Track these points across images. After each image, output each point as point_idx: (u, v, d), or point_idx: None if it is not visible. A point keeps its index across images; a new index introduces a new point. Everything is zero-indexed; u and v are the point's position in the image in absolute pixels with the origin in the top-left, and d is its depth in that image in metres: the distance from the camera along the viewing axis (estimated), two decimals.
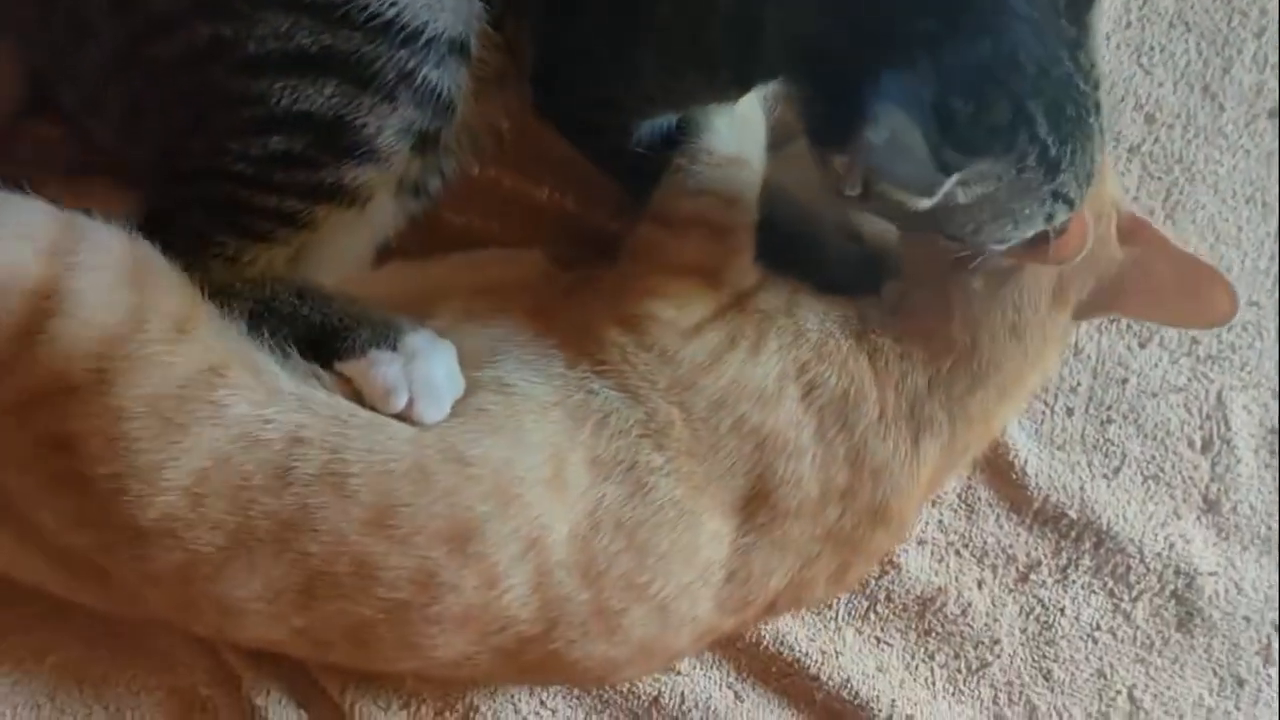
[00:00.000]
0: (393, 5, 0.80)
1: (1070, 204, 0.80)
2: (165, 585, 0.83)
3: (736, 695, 1.06)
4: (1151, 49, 1.12)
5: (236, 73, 0.82)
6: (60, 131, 0.95)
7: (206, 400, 0.79)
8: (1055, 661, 1.09)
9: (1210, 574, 1.09)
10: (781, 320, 0.91)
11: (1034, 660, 1.09)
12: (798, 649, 1.05)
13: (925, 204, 0.74)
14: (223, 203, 0.86)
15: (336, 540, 0.81)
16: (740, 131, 0.94)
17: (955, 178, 0.74)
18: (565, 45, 0.89)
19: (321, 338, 0.88)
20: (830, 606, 1.06)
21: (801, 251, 0.95)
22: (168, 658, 1.01)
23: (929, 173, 0.73)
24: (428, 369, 0.87)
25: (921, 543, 1.08)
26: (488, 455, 0.84)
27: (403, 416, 0.86)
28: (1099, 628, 1.09)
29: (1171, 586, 1.09)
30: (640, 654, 0.91)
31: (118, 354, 0.78)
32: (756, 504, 0.89)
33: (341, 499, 0.81)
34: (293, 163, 0.84)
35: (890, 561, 1.06)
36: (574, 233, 1.02)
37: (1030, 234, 0.81)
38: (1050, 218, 0.80)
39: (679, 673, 1.05)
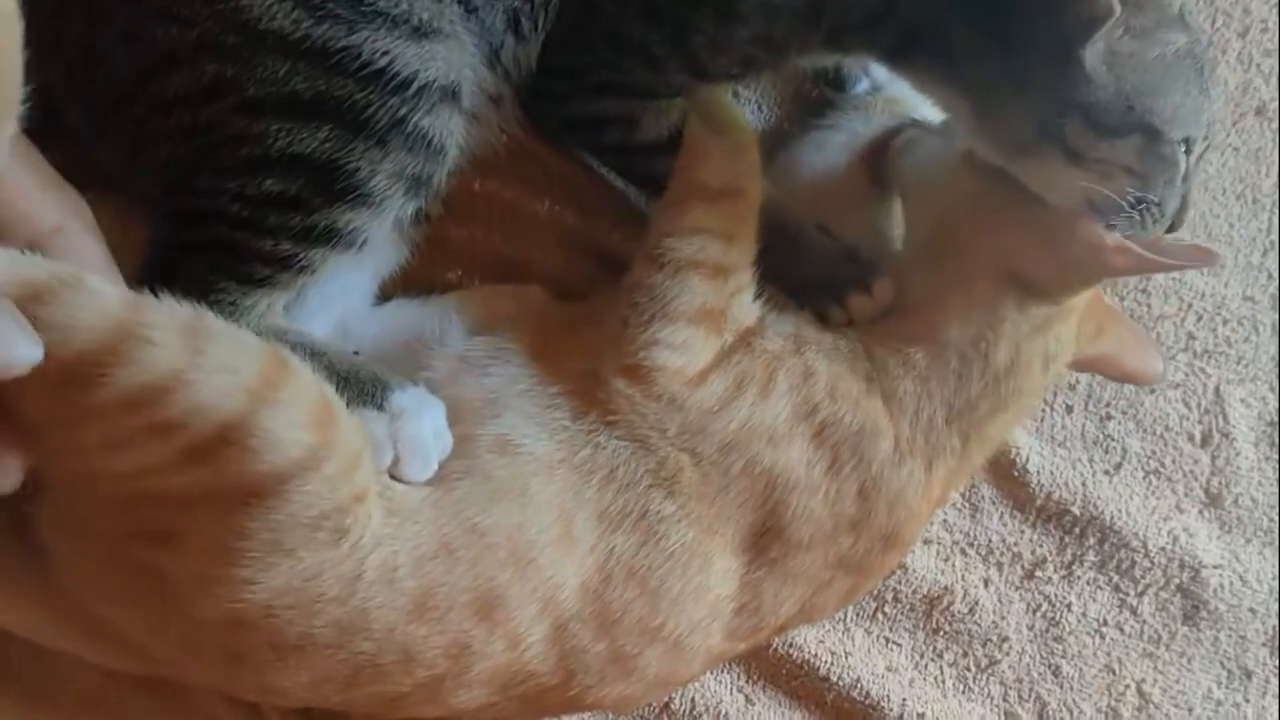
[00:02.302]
0: (385, 55, 0.82)
1: (1160, 221, 0.85)
2: (210, 666, 0.83)
3: (747, 699, 1.07)
4: None
5: (237, 112, 0.83)
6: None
7: (334, 530, 0.79)
8: (1064, 658, 1.10)
9: (1215, 567, 1.10)
10: (790, 361, 0.91)
11: (1042, 657, 1.10)
12: (807, 650, 1.06)
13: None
14: (222, 247, 0.87)
15: (386, 634, 0.81)
16: (734, 158, 0.93)
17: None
18: (585, 27, 0.90)
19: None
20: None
21: (783, 250, 0.96)
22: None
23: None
24: (414, 428, 0.87)
25: (927, 542, 1.09)
26: (500, 523, 0.84)
27: (393, 475, 0.86)
28: (1106, 623, 1.10)
29: (1176, 580, 1.10)
30: (655, 687, 0.92)
31: (275, 487, 0.75)
32: (768, 539, 0.89)
33: (392, 593, 0.81)
34: (286, 205, 0.85)
35: (899, 563, 1.07)
36: (575, 246, 1.03)
37: (1130, 221, 0.85)
38: (1142, 222, 0.85)
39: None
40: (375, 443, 0.85)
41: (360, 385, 0.88)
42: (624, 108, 0.94)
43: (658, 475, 0.88)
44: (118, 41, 0.86)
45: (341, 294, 0.97)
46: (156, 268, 0.88)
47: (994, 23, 0.83)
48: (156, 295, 0.85)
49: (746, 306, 0.92)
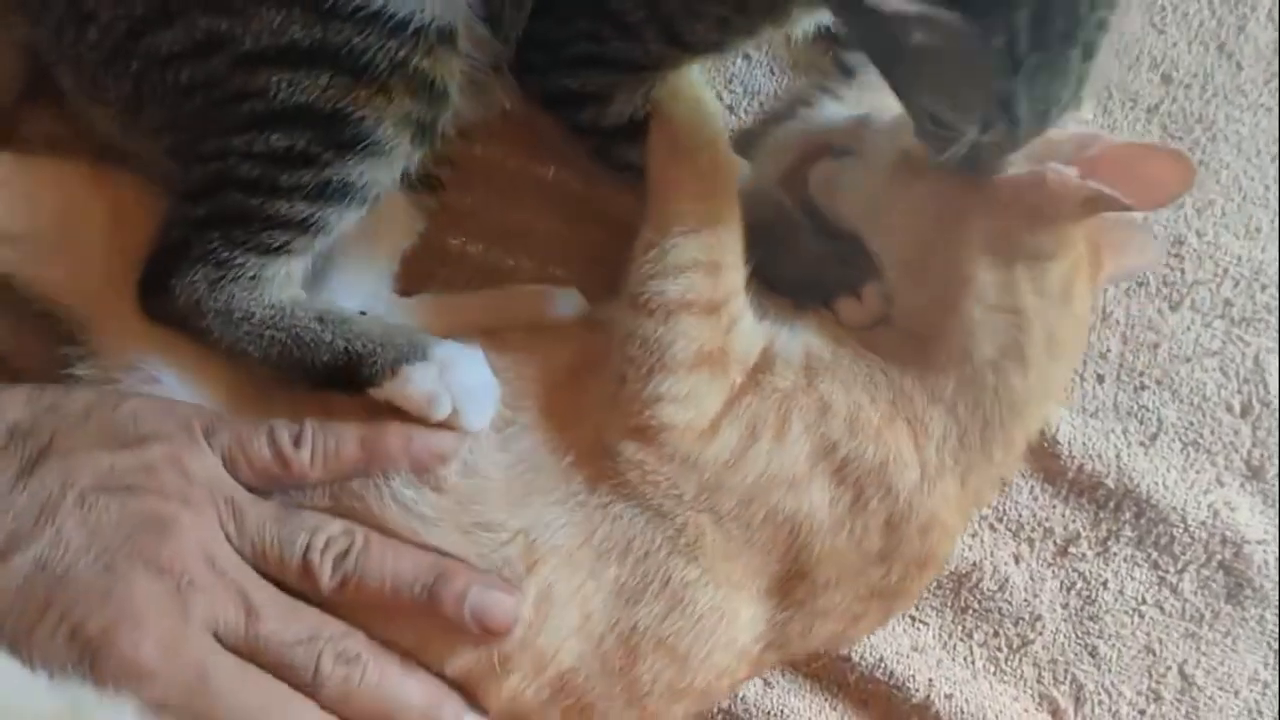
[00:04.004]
0: None
1: (1013, 122, 0.76)
2: None
3: (766, 682, 1.02)
4: (1164, 8, 1.10)
5: (234, 66, 0.82)
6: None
7: None
8: (1100, 638, 1.05)
9: (1259, 543, 1.05)
10: (802, 398, 0.87)
11: (1078, 637, 1.05)
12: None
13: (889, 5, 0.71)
14: (235, 219, 0.86)
15: None
16: (708, 180, 0.89)
17: (920, 8, 0.70)
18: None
19: (349, 365, 0.87)
20: None
21: (772, 246, 0.93)
22: None
23: None
24: (465, 375, 0.87)
25: None
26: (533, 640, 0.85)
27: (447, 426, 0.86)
28: (1144, 601, 1.05)
29: (1219, 556, 1.05)
30: None
31: None
32: (793, 583, 0.87)
33: None
34: (296, 161, 0.84)
35: None
36: (580, 212, 1.01)
37: (961, 131, 0.78)
38: (985, 125, 0.77)
39: None
40: (430, 393, 0.85)
41: (398, 345, 0.87)
42: (602, 82, 0.91)
43: (677, 542, 0.85)
44: None
45: (360, 273, 0.96)
46: (169, 254, 0.88)
47: None
48: (168, 288, 0.86)
49: (748, 335, 0.88)
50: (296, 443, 0.85)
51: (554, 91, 0.94)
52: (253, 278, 0.87)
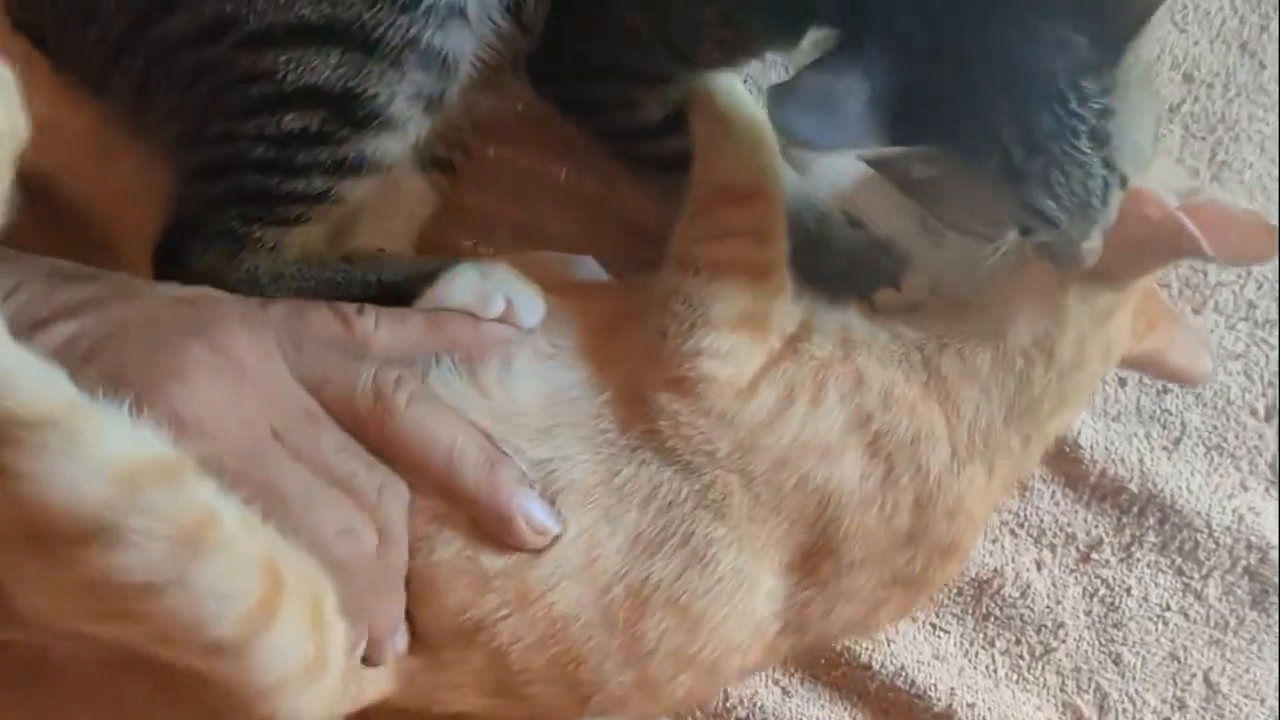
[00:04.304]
0: None
1: (1051, 223, 0.76)
2: None
3: (784, 691, 1.02)
4: (1185, 7, 1.08)
5: (242, 49, 0.81)
6: None
7: None
8: (1124, 645, 1.03)
9: None
10: (839, 368, 0.86)
11: (1102, 644, 1.03)
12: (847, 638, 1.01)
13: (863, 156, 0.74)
14: (252, 196, 0.85)
15: None
16: (750, 156, 0.89)
17: (897, 151, 0.72)
18: (585, 7, 0.88)
19: (383, 294, 0.86)
20: None
21: (806, 241, 0.92)
22: None
23: (860, 131, 0.72)
24: (506, 278, 0.87)
25: None
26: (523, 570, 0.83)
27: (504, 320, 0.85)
28: (1169, 608, 1.04)
29: (1244, 562, 1.04)
30: (684, 703, 0.90)
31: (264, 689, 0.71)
32: (819, 558, 0.85)
33: None
34: (312, 141, 0.82)
35: None
36: (595, 213, 1.00)
37: (1003, 235, 0.78)
38: (1026, 230, 0.77)
39: None
40: (481, 289, 0.85)
41: (429, 266, 0.87)
42: (623, 91, 0.90)
43: (704, 498, 0.83)
44: None
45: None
46: (183, 229, 0.86)
47: None
48: (184, 263, 0.84)
49: (788, 307, 0.87)
50: (360, 311, 0.82)
51: (573, 99, 0.94)
52: (272, 248, 0.86)
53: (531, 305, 0.86)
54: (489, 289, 0.85)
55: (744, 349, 0.85)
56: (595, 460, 0.83)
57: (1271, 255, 0.85)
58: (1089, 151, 0.74)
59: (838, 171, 0.99)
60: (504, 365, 0.84)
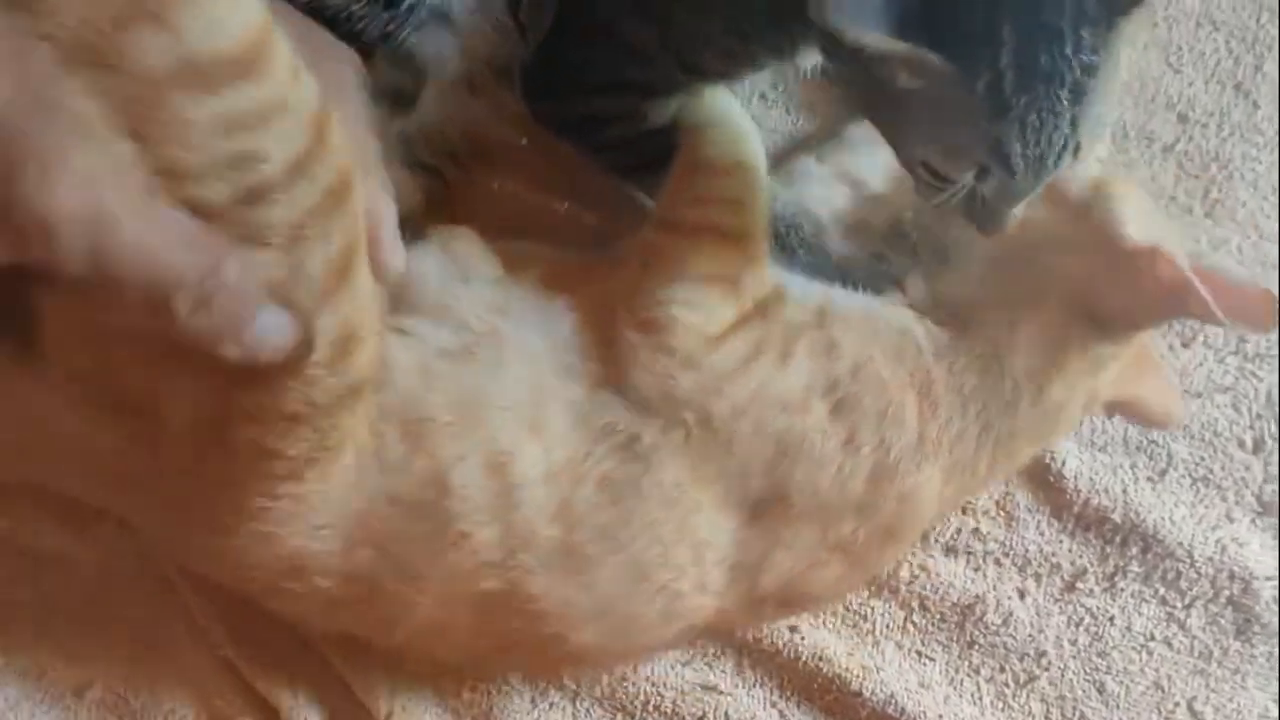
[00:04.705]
0: None
1: (1009, 170, 0.77)
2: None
3: (781, 714, 1.04)
4: (1180, 48, 1.10)
5: None
6: None
7: None
8: (1108, 674, 1.05)
9: (1268, 579, 1.05)
10: (811, 333, 0.88)
11: (1085, 673, 1.05)
12: (837, 664, 1.03)
13: (865, 41, 0.72)
14: None
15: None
16: (737, 142, 0.92)
17: (903, 48, 0.71)
18: (585, 21, 0.90)
19: None
20: (865, 618, 1.04)
21: (805, 251, 0.95)
22: (208, 688, 1.02)
23: (881, 16, 0.71)
24: (463, 247, 0.90)
25: (953, 551, 1.05)
26: (467, 385, 0.83)
27: None
28: (1153, 638, 1.06)
29: (1227, 592, 1.05)
30: (609, 612, 0.87)
31: None
32: (767, 503, 0.86)
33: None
34: None
35: (920, 566, 1.04)
36: (595, 248, 1.01)
37: (953, 177, 0.79)
38: (982, 173, 0.78)
39: (722, 692, 1.04)
40: (439, 266, 0.87)
41: None
42: (625, 105, 0.93)
43: (658, 431, 0.85)
44: None
45: None
46: None
47: None
48: None
49: (762, 275, 0.90)
50: None
51: (574, 114, 0.96)
52: None
53: (484, 268, 0.88)
54: (446, 259, 0.87)
55: (715, 302, 0.87)
56: (546, 344, 0.86)
57: (1273, 327, 0.86)
58: (1065, 104, 0.75)
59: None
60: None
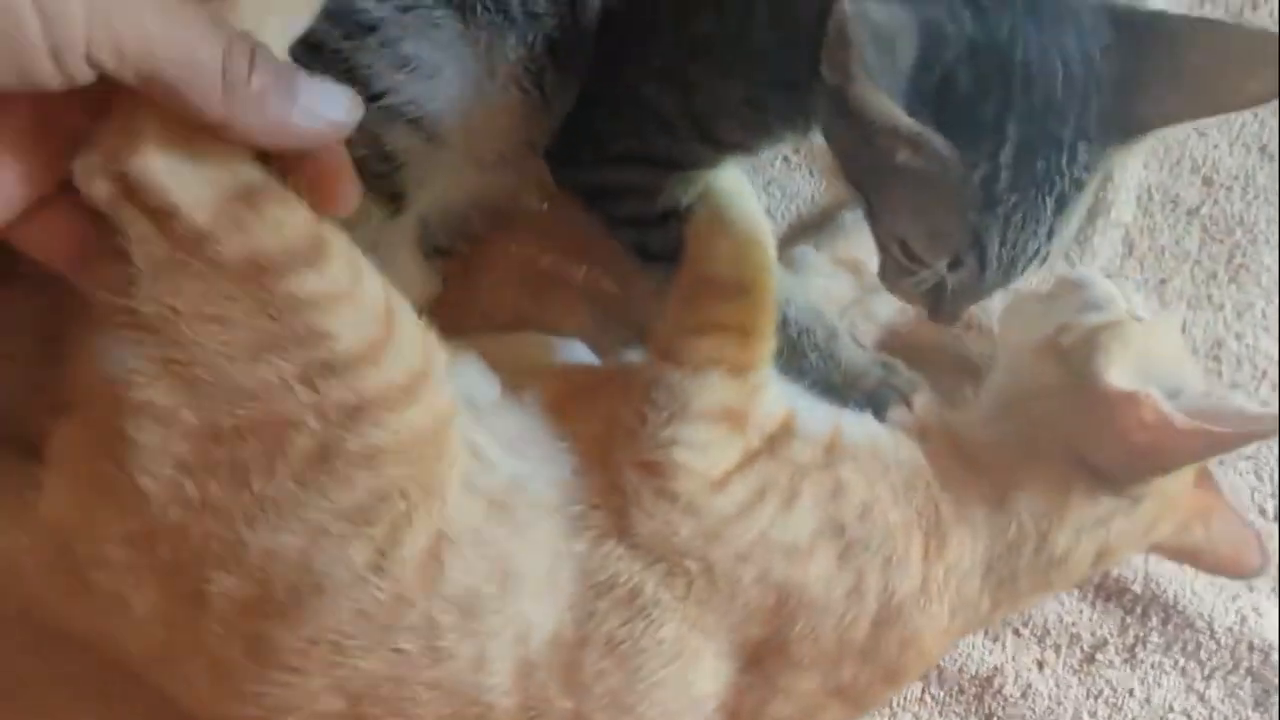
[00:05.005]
0: (367, 69, 0.81)
1: (981, 264, 0.76)
2: (214, 619, 0.78)
3: None
4: None
5: None
6: None
7: None
8: None
9: None
10: (817, 475, 0.86)
11: None
12: None
13: (876, 109, 0.70)
14: None
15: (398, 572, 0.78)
16: (744, 252, 0.88)
17: (911, 125, 0.70)
18: (610, 89, 0.89)
19: None
20: None
21: (817, 357, 0.94)
22: None
23: (898, 88, 0.70)
24: (460, 375, 0.87)
25: None
26: (498, 538, 0.81)
27: None
28: (1172, 709, 1.05)
29: (1246, 663, 1.04)
30: None
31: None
32: (766, 651, 0.84)
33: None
34: None
35: None
36: (609, 314, 1.02)
37: (927, 261, 0.78)
38: (954, 264, 0.78)
39: None
40: None
41: None
42: (645, 178, 0.92)
43: (659, 575, 0.83)
44: None
45: None
46: None
47: None
48: None
49: (768, 406, 0.87)
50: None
51: (595, 184, 0.95)
52: None
53: (483, 392, 0.87)
54: None
55: (720, 443, 0.84)
56: (554, 489, 0.83)
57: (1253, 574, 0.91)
58: (1049, 212, 0.75)
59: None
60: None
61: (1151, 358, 0.88)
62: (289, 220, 0.70)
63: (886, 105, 0.69)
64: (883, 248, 0.82)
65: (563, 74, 0.88)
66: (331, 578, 0.75)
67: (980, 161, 0.72)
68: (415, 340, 0.77)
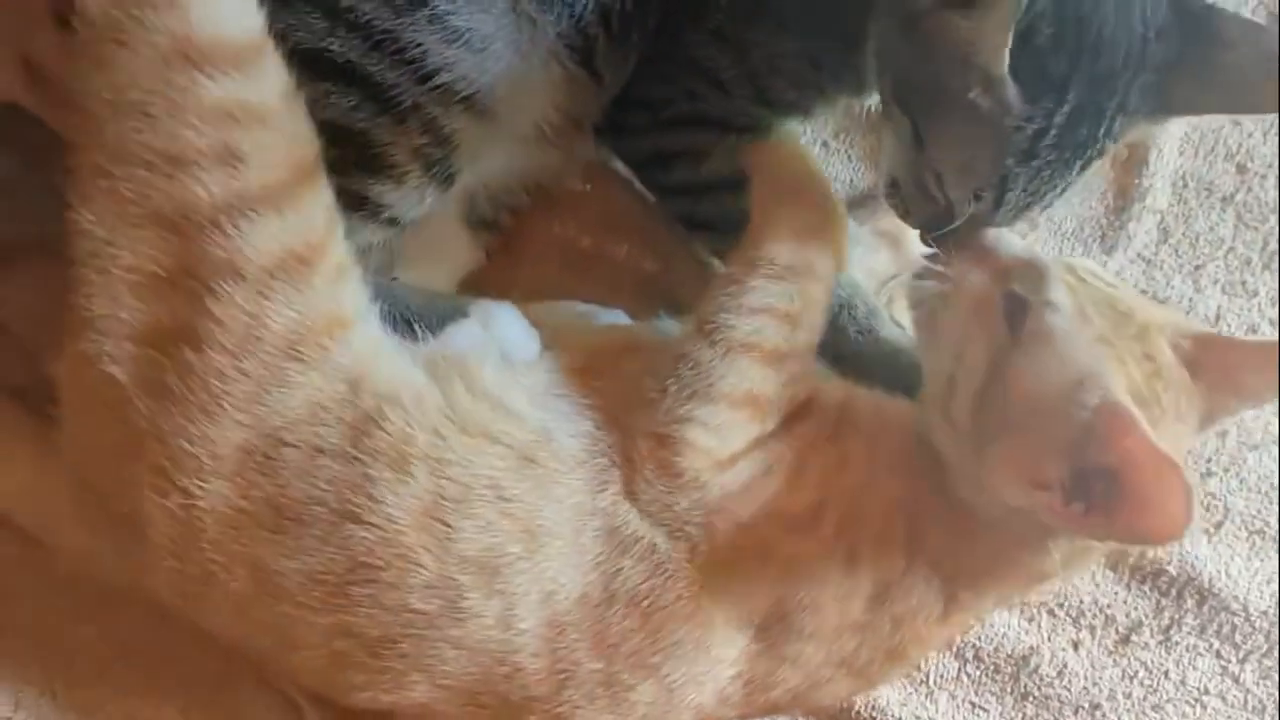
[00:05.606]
0: (418, 46, 0.83)
1: (997, 205, 0.80)
2: (208, 537, 0.81)
3: None
4: None
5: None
6: None
7: (320, 345, 0.80)
8: None
9: None
10: (826, 448, 0.86)
11: None
12: (890, 714, 1.03)
13: (964, 42, 0.73)
14: None
15: (385, 524, 0.80)
16: (809, 231, 0.87)
17: (994, 67, 0.73)
18: (665, 55, 0.91)
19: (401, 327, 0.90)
20: (920, 669, 1.04)
21: (856, 334, 0.95)
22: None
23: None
24: (504, 327, 0.90)
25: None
26: (522, 497, 0.82)
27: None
28: (1207, 691, 1.05)
29: None
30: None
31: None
32: (772, 620, 0.85)
33: (401, 479, 0.81)
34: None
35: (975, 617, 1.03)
36: (649, 292, 1.03)
37: (950, 193, 0.81)
38: (978, 197, 0.80)
39: None
40: (479, 345, 0.88)
41: (442, 309, 0.91)
42: (696, 141, 0.93)
43: (665, 538, 0.84)
44: None
45: None
46: None
47: None
48: None
49: (795, 391, 0.87)
50: None
51: (647, 150, 0.97)
52: None
53: (524, 346, 0.89)
54: (487, 340, 0.88)
55: (737, 428, 0.85)
56: (578, 443, 0.85)
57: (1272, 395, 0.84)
58: (1072, 174, 0.78)
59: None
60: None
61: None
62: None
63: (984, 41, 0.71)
64: (909, 178, 0.84)
65: (616, 46, 0.89)
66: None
67: (1037, 117, 0.75)
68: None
